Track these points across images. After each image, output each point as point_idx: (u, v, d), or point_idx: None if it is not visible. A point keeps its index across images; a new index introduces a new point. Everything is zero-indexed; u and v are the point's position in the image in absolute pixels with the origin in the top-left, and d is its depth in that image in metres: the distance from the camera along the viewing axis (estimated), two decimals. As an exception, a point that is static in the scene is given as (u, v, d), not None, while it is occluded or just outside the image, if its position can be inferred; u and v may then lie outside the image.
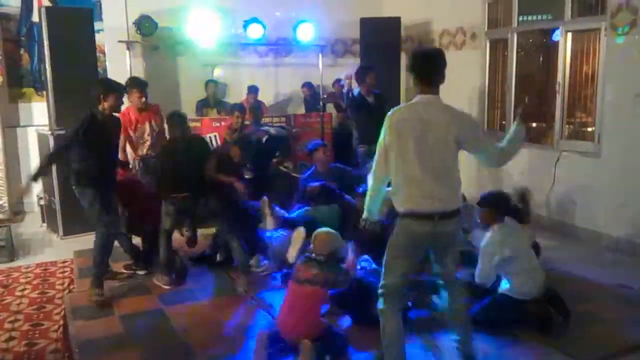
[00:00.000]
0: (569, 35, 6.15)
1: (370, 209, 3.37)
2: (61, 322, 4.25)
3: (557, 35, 6.37)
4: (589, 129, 6.15)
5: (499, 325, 3.85)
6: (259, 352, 3.52)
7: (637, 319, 4.11)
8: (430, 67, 3.12)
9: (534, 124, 6.99)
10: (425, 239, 3.13)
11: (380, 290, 3.24)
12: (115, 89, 4.55)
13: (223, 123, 7.07)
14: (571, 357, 3.56)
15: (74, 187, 4.54)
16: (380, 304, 3.23)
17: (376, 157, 3.20)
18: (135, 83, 5.93)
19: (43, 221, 6.83)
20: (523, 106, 3.38)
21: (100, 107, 4.43)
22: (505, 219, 4.08)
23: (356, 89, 6.61)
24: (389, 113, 3.14)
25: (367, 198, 3.38)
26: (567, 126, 6.35)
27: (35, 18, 6.98)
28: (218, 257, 5.26)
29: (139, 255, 5.16)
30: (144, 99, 5.92)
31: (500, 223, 4.02)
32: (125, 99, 5.05)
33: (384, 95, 6.61)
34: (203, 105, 7.91)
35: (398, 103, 6.52)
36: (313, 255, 3.69)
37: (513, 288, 3.94)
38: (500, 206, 4.13)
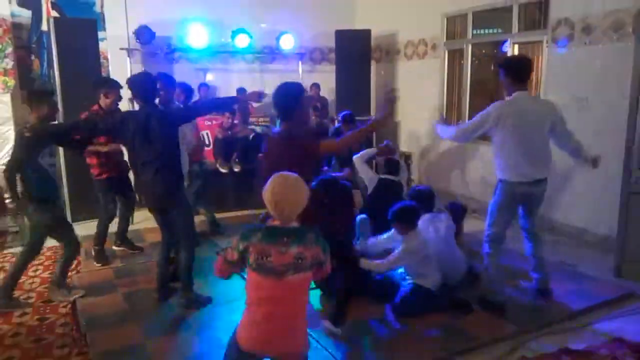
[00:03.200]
0: (516, 46, 6.25)
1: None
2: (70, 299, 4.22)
3: (506, 47, 6.47)
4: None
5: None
6: None
7: (575, 291, 4.20)
8: (526, 71, 3.71)
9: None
10: (521, 197, 3.76)
11: (487, 238, 3.83)
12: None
13: (215, 122, 7.05)
14: (519, 326, 3.64)
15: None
16: (487, 248, 3.84)
17: (474, 125, 3.75)
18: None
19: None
20: None
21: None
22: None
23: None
24: (496, 105, 3.66)
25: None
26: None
27: (44, 27, 6.83)
28: None
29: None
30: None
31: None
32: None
33: None
34: (196, 107, 7.83)
35: (368, 105, 6.50)
36: (276, 223, 2.19)
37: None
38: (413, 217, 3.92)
